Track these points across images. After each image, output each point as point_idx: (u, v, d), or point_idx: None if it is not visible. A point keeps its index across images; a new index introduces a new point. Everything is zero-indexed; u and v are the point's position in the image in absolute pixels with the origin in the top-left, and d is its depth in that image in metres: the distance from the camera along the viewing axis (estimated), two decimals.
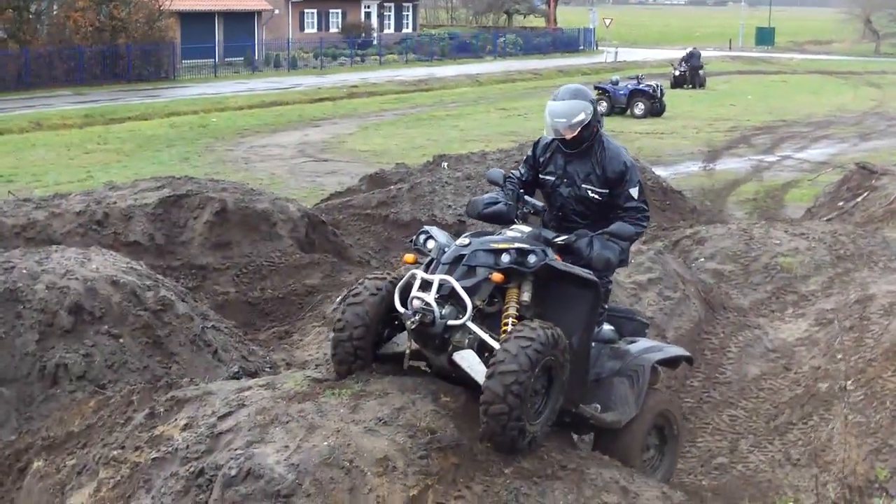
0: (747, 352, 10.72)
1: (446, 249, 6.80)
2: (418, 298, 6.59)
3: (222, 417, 6.39)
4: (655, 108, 38.30)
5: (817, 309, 11.42)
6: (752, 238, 12.89)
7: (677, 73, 51.26)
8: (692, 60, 51.56)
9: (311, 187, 22.61)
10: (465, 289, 6.55)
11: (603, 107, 38.01)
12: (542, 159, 7.48)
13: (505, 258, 6.64)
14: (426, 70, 59.95)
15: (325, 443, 6.01)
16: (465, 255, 6.69)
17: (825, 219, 16.60)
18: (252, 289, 12.63)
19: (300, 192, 21.17)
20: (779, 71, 66.69)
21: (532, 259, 6.66)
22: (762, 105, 43.15)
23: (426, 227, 7.21)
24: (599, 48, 79.91)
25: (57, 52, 46.95)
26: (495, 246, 6.73)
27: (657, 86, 39.24)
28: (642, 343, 7.91)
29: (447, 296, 6.60)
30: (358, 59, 65.98)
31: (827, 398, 9.40)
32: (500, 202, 7.23)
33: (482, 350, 6.62)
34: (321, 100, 43.59)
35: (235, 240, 13.11)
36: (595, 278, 6.80)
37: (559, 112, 7.15)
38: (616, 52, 71.49)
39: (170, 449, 6.22)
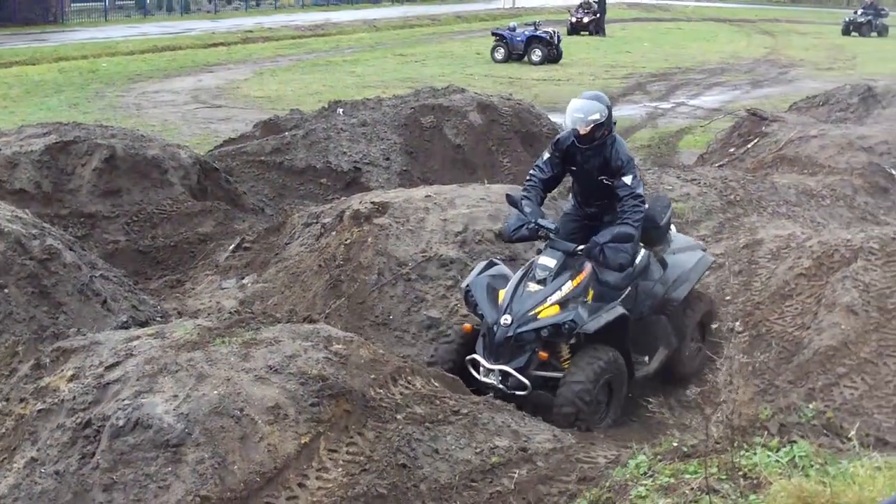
0: None
1: (496, 328, 7.90)
2: (487, 384, 7.88)
3: (110, 367, 6.27)
4: (552, 55, 38.32)
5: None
6: (645, 184, 13.00)
7: (574, 19, 51.49)
8: (601, 6, 51.96)
9: (204, 134, 22.19)
10: (519, 368, 7.86)
11: (501, 53, 38.09)
12: (565, 156, 8.61)
13: (544, 333, 7.89)
14: (323, 15, 59.19)
15: (215, 392, 5.95)
16: (511, 335, 7.86)
17: (717, 165, 16.84)
18: (143, 237, 12.42)
19: (193, 139, 20.78)
20: (674, 18, 67.35)
21: (566, 328, 7.85)
22: (658, 52, 43.56)
23: (470, 290, 8.31)
24: None
25: None
26: (534, 319, 7.88)
27: (554, 32, 39.27)
28: (672, 266, 9.08)
29: (509, 373, 7.87)
30: (253, 3, 64.90)
31: (716, 341, 9.59)
32: (523, 226, 8.41)
33: (547, 384, 7.96)
34: (215, 45, 42.65)
35: (125, 187, 12.85)
36: (623, 311, 8.12)
37: (579, 108, 8.33)
38: None
39: (56, 400, 6.09)
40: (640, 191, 8.37)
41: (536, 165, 8.76)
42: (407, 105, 17.26)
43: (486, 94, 19.25)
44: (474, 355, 8.07)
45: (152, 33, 45.82)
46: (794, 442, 5.06)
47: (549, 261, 8.15)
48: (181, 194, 13.14)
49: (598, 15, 51.86)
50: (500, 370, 7.86)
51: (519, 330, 7.87)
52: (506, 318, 7.90)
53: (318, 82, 31.17)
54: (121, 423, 5.71)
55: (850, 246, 10.24)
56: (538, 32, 38.82)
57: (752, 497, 4.51)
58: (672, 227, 9.61)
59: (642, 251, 8.72)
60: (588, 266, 8.22)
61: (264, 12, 61.24)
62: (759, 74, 36.89)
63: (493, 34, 39.89)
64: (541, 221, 8.36)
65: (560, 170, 8.70)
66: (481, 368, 7.97)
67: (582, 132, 8.28)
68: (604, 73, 35.67)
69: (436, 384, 7.03)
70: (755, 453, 4.91)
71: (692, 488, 4.64)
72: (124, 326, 7.96)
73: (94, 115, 23.01)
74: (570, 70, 36.18)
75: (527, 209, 8.40)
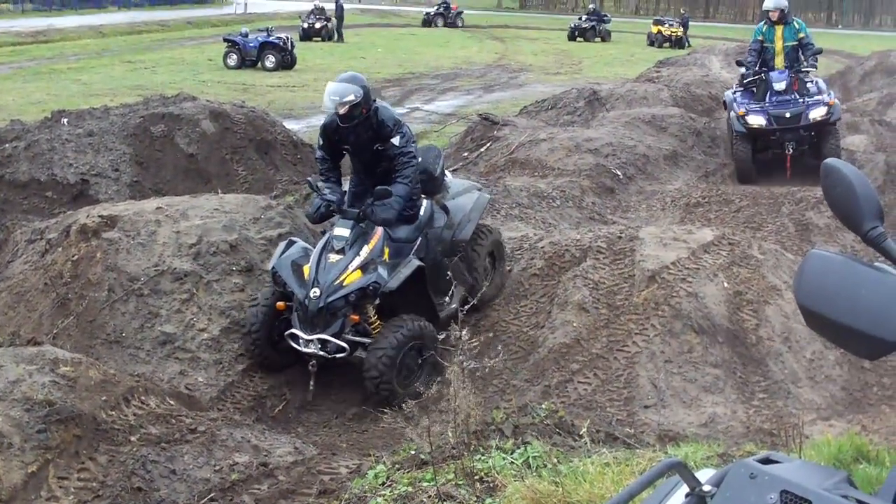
0: None
1: (307, 302, 8.50)
2: (307, 354, 8.58)
3: None
4: (286, 61, 38.15)
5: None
6: None
7: (306, 25, 51.52)
8: (339, 11, 52.21)
9: None
10: (335, 333, 8.52)
11: (234, 59, 37.61)
12: (335, 139, 9.25)
13: (352, 298, 8.57)
14: (45, 20, 56.80)
15: None
16: (322, 306, 8.47)
17: (451, 169, 17.12)
18: None
19: None
20: (407, 24, 68.35)
21: (371, 289, 8.59)
22: (392, 58, 44.00)
23: (276, 271, 8.80)
24: None
25: None
26: (340, 287, 8.53)
27: (287, 38, 39.10)
28: (454, 210, 9.84)
29: (326, 339, 8.52)
30: None
31: (447, 349, 9.72)
32: (321, 206, 9.05)
33: (362, 346, 8.65)
34: None
35: None
36: (419, 262, 8.92)
37: (334, 91, 8.93)
38: (246, 4, 70.53)
39: None
40: (409, 148, 9.07)
41: (318, 149, 9.48)
42: (136, 114, 16.71)
43: (220, 101, 18.89)
44: (292, 330, 8.64)
45: None
46: (529, 443, 5.16)
47: (342, 231, 8.84)
48: None
49: (330, 21, 52.01)
50: (318, 339, 8.50)
51: (329, 300, 8.50)
52: (315, 291, 8.53)
53: (41, 91, 29.81)
54: None
55: (579, 245, 10.61)
56: (271, 38, 38.57)
57: (489, 501, 4.56)
58: (447, 173, 10.45)
59: (425, 202, 9.50)
60: (379, 229, 8.94)
61: None
62: (490, 79, 37.81)
63: (226, 40, 39.33)
64: (326, 196, 9.06)
65: (336, 149, 9.34)
66: (301, 340, 8.59)
67: (341, 112, 8.86)
68: None
69: (171, 402, 6.83)
70: (491, 456, 4.98)
71: (429, 496, 4.65)
72: None
73: None
74: (304, 76, 36.07)
75: (325, 190, 9.11)
